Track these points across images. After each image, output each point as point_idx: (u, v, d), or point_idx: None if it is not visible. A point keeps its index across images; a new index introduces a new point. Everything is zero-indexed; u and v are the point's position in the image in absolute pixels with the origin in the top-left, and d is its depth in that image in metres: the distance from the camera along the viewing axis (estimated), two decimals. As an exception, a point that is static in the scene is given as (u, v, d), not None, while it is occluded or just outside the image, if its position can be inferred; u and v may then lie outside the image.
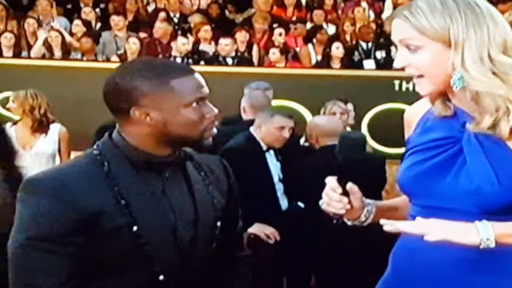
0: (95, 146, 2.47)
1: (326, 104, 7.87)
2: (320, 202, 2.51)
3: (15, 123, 7.28)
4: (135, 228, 2.33)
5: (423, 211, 2.39)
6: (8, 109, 7.43)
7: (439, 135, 2.42)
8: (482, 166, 2.30)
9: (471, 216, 2.26)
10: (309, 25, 13.36)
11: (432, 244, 2.18)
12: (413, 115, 2.61)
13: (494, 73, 2.25)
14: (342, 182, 2.48)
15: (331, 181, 2.46)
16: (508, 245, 2.22)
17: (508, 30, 2.32)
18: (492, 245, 2.17)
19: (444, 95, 2.42)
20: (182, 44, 11.68)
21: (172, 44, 11.95)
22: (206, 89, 2.44)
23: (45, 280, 2.26)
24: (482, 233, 2.18)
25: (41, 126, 7.14)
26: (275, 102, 8.17)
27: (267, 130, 6.06)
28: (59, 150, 7.23)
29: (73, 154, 7.14)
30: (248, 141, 6.12)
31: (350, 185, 2.48)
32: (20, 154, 6.95)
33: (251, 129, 6.18)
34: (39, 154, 7.14)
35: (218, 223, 2.54)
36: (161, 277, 2.38)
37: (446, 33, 2.26)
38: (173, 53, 11.71)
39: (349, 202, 2.48)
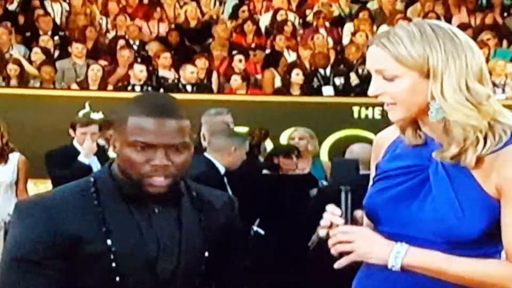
0: (93, 173, 2.53)
1: (289, 131, 7.93)
2: (321, 234, 2.39)
3: None
4: (112, 256, 2.32)
5: (388, 239, 2.35)
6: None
7: (408, 163, 2.39)
8: (447, 196, 2.28)
9: (435, 246, 2.26)
10: (268, 51, 13.43)
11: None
12: (383, 142, 2.57)
13: (470, 102, 2.23)
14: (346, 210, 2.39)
15: (331, 208, 2.37)
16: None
17: (483, 60, 2.31)
18: (398, 269, 2.25)
19: (414, 123, 2.39)
20: (139, 71, 11.62)
21: (130, 72, 11.86)
22: (160, 138, 2.33)
23: None
24: (392, 259, 2.26)
25: (1, 155, 7.12)
26: (235, 129, 8.15)
27: (240, 154, 6.03)
28: (17, 179, 7.18)
29: (31, 183, 7.07)
30: (208, 167, 6.07)
31: (360, 213, 2.44)
32: None
33: (207, 154, 6.12)
34: None
35: (203, 264, 2.49)
36: None
37: (425, 62, 2.23)
38: (132, 81, 11.62)
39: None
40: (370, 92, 2.34)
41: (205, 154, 6.15)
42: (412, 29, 2.27)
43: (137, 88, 11.29)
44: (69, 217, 2.33)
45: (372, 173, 2.57)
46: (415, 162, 2.38)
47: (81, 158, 6.60)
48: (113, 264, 2.32)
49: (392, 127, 2.53)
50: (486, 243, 2.29)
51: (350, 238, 2.30)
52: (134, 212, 2.40)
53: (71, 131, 7.31)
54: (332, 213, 2.35)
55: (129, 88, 11.42)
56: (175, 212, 2.46)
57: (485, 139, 2.25)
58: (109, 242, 2.32)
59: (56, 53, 13.01)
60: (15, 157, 7.19)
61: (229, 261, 2.59)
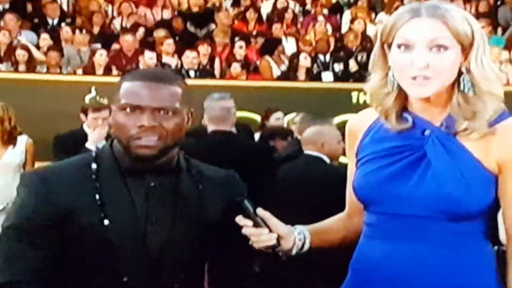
0: (97, 148, 2.55)
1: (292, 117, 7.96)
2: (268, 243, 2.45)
3: None
4: (104, 229, 2.33)
5: (381, 219, 2.39)
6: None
7: (397, 143, 2.38)
8: (450, 170, 2.27)
9: (432, 222, 2.28)
10: (266, 39, 13.50)
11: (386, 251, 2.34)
12: (359, 127, 2.55)
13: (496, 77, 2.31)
14: (251, 215, 2.42)
15: (242, 220, 2.41)
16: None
17: None
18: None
19: (398, 107, 2.39)
20: (149, 59, 11.71)
21: (140, 58, 11.93)
22: (149, 101, 2.34)
23: (17, 268, 2.32)
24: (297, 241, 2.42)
25: (10, 138, 7.12)
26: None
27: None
28: (25, 161, 7.19)
29: (37, 165, 7.08)
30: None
31: (259, 212, 2.42)
32: None
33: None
34: (6, 165, 7.11)
35: (197, 241, 2.46)
36: (125, 279, 2.37)
37: (470, 38, 2.26)
38: (141, 66, 11.68)
39: (271, 230, 2.43)
40: (420, 63, 2.24)
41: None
42: (459, 9, 2.31)
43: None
44: (65, 188, 2.35)
45: (350, 160, 2.57)
46: (405, 142, 2.37)
47: (88, 144, 6.57)
48: (105, 236, 2.33)
49: (364, 113, 2.56)
50: (486, 218, 2.32)
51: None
52: (130, 185, 2.41)
53: (82, 116, 7.27)
54: (245, 226, 2.40)
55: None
56: (172, 186, 2.46)
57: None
58: (102, 214, 2.33)
59: (63, 39, 12.98)
60: (23, 140, 7.19)
61: (233, 239, 2.52)
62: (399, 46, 2.28)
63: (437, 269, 2.28)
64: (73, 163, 2.47)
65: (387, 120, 2.40)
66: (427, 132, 2.35)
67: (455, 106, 2.30)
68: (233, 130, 6.42)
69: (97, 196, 2.36)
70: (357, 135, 2.54)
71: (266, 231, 2.39)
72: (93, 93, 10.11)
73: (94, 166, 2.41)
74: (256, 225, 2.39)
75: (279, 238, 2.43)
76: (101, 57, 11.79)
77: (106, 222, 2.33)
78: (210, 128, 6.48)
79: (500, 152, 2.26)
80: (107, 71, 11.77)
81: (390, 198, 2.35)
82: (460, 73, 2.29)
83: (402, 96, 2.37)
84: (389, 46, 2.32)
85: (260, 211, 2.42)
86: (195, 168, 2.54)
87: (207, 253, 2.56)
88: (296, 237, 2.49)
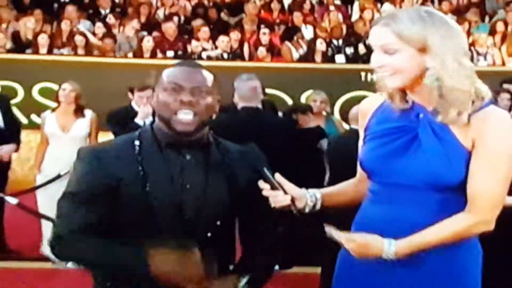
0: (141, 127, 2.60)
1: (310, 94, 7.96)
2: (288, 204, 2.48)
3: (53, 110, 7.29)
4: (147, 197, 2.38)
5: (382, 187, 2.45)
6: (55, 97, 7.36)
7: (397, 124, 2.43)
8: (436, 150, 2.33)
9: (420, 191, 2.35)
10: (287, 26, 13.45)
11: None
12: (368, 109, 2.59)
13: (463, 73, 2.31)
14: (269, 180, 2.44)
15: (262, 184, 2.43)
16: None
17: (466, 41, 2.39)
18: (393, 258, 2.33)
19: (402, 91, 2.42)
20: (195, 47, 11.88)
21: (180, 43, 12.03)
22: (187, 81, 2.41)
23: (62, 223, 2.42)
24: (385, 251, 2.32)
25: (80, 111, 7.17)
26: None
27: None
28: (90, 131, 7.24)
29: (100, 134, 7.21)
30: None
31: (277, 178, 2.44)
32: (60, 136, 7.07)
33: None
34: (75, 136, 7.11)
35: (226, 208, 2.48)
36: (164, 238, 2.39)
37: (422, 40, 2.28)
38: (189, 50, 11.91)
39: (286, 192, 2.44)
40: (373, 64, 2.36)
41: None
42: (412, 13, 2.32)
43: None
44: (114, 162, 2.41)
45: (361, 135, 2.61)
46: (403, 123, 2.41)
47: (137, 120, 6.61)
48: (147, 203, 2.38)
49: (374, 97, 2.60)
50: (463, 189, 2.35)
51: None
52: (168, 159, 2.44)
53: (129, 94, 7.33)
54: (265, 189, 2.42)
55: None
56: (204, 160, 2.48)
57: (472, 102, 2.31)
58: (144, 184, 2.38)
59: (115, 27, 13.04)
60: (89, 114, 7.22)
61: (257, 204, 2.51)
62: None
63: (423, 227, 2.33)
64: (120, 141, 2.53)
65: (392, 100, 2.46)
66: (421, 116, 2.39)
67: (434, 98, 2.34)
68: (259, 106, 6.45)
69: (140, 168, 2.40)
70: (367, 115, 2.58)
71: (281, 193, 2.42)
72: (152, 76, 10.24)
73: (137, 143, 2.46)
74: (273, 188, 2.42)
75: (293, 199, 2.46)
76: (148, 43, 11.82)
77: (147, 190, 2.39)
78: (240, 104, 6.52)
79: (475, 132, 2.31)
80: (153, 55, 11.83)
81: (388, 171, 2.40)
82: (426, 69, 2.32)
83: None
84: None
85: (277, 176, 2.44)
86: (221, 144, 2.56)
87: (234, 216, 2.58)
88: (308, 198, 2.52)
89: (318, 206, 2.54)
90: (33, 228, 7.02)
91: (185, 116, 2.38)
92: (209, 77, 2.46)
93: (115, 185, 2.40)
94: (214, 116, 2.51)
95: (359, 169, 2.64)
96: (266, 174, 2.43)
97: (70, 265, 6.69)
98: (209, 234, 2.44)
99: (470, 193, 2.33)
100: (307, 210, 2.53)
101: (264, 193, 2.42)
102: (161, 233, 2.38)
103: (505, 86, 8.48)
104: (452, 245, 2.35)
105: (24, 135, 10.25)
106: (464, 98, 2.29)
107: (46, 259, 6.35)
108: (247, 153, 2.55)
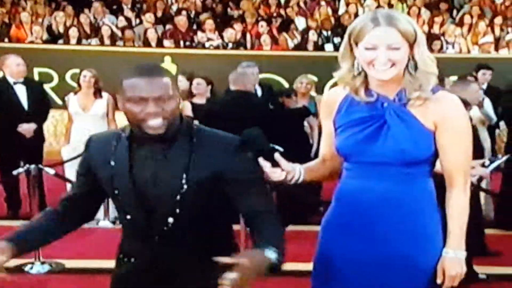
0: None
1: (298, 78, 8.09)
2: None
3: (75, 92, 7.43)
4: (112, 181, 2.38)
5: (358, 165, 2.47)
6: (77, 81, 7.48)
7: (366, 114, 2.44)
8: (403, 132, 2.37)
9: (393, 167, 2.39)
10: (282, 19, 13.40)
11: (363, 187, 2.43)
12: (334, 100, 2.55)
13: (430, 60, 2.40)
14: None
15: (263, 162, 2.35)
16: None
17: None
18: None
19: (365, 85, 2.44)
20: (201, 37, 11.83)
21: (194, 37, 12.03)
22: (149, 92, 2.23)
23: (64, 193, 2.58)
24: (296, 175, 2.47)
25: (99, 93, 7.28)
26: (263, 76, 8.25)
27: None
28: (107, 111, 7.37)
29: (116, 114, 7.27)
30: None
31: (276, 157, 2.41)
32: (81, 114, 7.20)
33: None
34: (94, 114, 7.28)
35: (181, 192, 2.32)
36: (128, 217, 2.40)
37: (414, 38, 2.34)
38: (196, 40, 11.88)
39: (282, 169, 2.42)
40: (384, 63, 2.33)
41: None
42: (403, 15, 2.40)
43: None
44: (98, 149, 2.42)
45: (326, 123, 2.59)
46: (371, 113, 2.43)
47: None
48: (114, 188, 2.37)
49: (337, 90, 2.55)
50: (428, 163, 2.42)
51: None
52: (135, 152, 2.36)
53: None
54: (263, 165, 2.36)
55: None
56: (162, 153, 2.34)
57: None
58: (112, 170, 2.36)
59: (134, 20, 13.03)
60: (105, 95, 7.32)
61: (229, 199, 2.35)
62: (366, 48, 2.34)
63: (395, 197, 2.41)
64: (109, 134, 2.51)
65: (358, 95, 2.45)
66: (385, 105, 2.42)
67: (407, 82, 2.38)
68: (247, 89, 6.59)
69: (113, 158, 2.37)
70: (333, 106, 2.54)
71: (279, 170, 2.40)
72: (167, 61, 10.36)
73: (121, 134, 2.41)
74: (273, 165, 2.38)
75: (287, 174, 2.44)
76: (163, 34, 11.80)
77: (113, 178, 2.37)
78: (230, 88, 6.64)
79: (435, 115, 2.36)
80: (167, 44, 11.82)
81: (364, 153, 2.43)
82: (408, 60, 2.37)
83: (366, 78, 2.44)
84: (356, 44, 2.37)
85: (276, 155, 2.41)
86: (196, 136, 2.37)
87: (202, 205, 2.37)
88: (297, 173, 2.49)
89: (301, 179, 2.52)
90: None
91: (154, 122, 2.26)
92: (167, 82, 2.28)
93: (93, 169, 2.42)
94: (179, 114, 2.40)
95: (321, 151, 2.67)
96: (271, 152, 2.40)
97: (100, 224, 6.86)
98: (170, 220, 2.33)
99: (447, 169, 2.41)
100: (293, 182, 2.50)
101: (266, 169, 2.35)
102: (128, 216, 2.39)
103: (481, 71, 8.63)
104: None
105: (58, 114, 10.22)
106: (431, 80, 2.37)
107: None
108: (228, 144, 2.36)
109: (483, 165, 4.99)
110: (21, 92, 7.17)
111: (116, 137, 2.40)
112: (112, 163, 2.37)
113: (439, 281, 2.42)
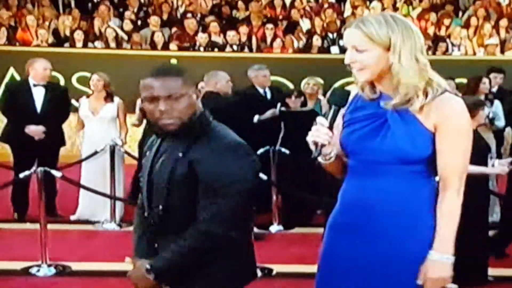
0: None
1: (305, 79, 8.14)
2: (308, 137, 2.45)
3: (88, 96, 7.58)
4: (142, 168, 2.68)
5: (358, 163, 2.50)
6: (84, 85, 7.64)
7: (369, 112, 2.48)
8: (402, 132, 2.39)
9: (391, 165, 2.41)
10: (288, 21, 13.43)
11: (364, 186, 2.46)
12: (351, 97, 2.62)
13: (417, 68, 2.37)
14: (330, 121, 2.44)
15: (321, 119, 2.43)
16: None
17: (423, 41, 2.44)
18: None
19: (371, 83, 2.48)
20: (201, 38, 11.79)
21: (196, 37, 11.98)
22: (161, 91, 2.40)
23: None
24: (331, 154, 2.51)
25: (109, 97, 7.42)
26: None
27: None
28: (117, 114, 7.49)
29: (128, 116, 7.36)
30: None
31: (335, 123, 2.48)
32: (91, 118, 7.32)
33: None
34: (103, 118, 7.40)
35: (169, 182, 2.50)
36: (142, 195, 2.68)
37: (387, 40, 2.34)
38: (197, 43, 11.81)
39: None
40: (346, 61, 2.40)
41: None
42: (380, 18, 2.38)
43: (201, 49, 11.60)
44: (149, 141, 2.72)
45: (339, 119, 2.62)
46: (374, 110, 2.46)
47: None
48: (140, 174, 2.69)
49: (353, 89, 2.61)
50: (428, 163, 2.42)
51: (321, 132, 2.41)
52: (154, 142, 2.64)
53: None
54: (320, 122, 2.42)
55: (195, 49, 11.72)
56: (168, 147, 2.55)
57: (426, 92, 2.37)
58: (140, 159, 2.62)
59: (139, 23, 13.08)
60: (116, 99, 7.45)
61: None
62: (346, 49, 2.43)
63: (393, 195, 2.43)
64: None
65: (363, 91, 2.51)
66: (383, 103, 2.44)
67: (399, 89, 2.39)
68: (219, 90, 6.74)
69: (145, 147, 2.74)
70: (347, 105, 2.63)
71: (330, 133, 2.41)
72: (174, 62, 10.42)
73: (154, 136, 2.70)
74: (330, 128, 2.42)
75: (329, 143, 2.44)
76: (169, 36, 11.82)
77: (142, 167, 2.68)
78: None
79: (435, 117, 2.37)
80: (174, 47, 11.84)
81: (364, 150, 2.46)
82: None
83: None
84: None
85: (318, 119, 2.45)
86: (207, 136, 2.49)
87: (174, 195, 2.51)
88: (333, 150, 2.52)
89: (332, 159, 2.54)
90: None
91: (167, 121, 2.46)
92: (178, 81, 2.44)
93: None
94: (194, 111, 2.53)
95: (336, 147, 2.67)
96: (334, 114, 2.44)
97: (107, 226, 6.88)
98: (160, 207, 2.53)
99: (443, 170, 2.41)
100: (323, 159, 2.53)
101: (319, 122, 2.41)
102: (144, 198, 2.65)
103: (492, 74, 8.51)
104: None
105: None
106: (408, 90, 2.36)
107: (87, 222, 6.60)
108: (218, 146, 2.47)
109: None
110: (39, 95, 7.20)
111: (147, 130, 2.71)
112: (147, 153, 2.65)
113: (419, 282, 2.40)
